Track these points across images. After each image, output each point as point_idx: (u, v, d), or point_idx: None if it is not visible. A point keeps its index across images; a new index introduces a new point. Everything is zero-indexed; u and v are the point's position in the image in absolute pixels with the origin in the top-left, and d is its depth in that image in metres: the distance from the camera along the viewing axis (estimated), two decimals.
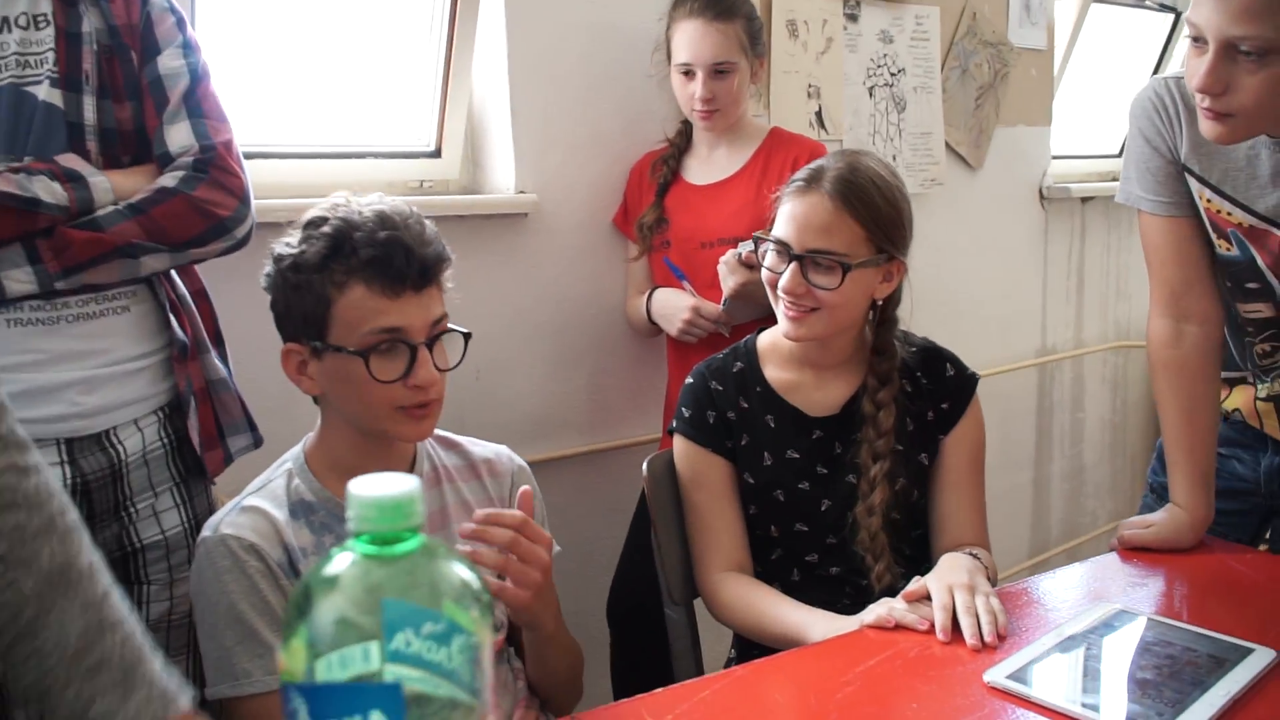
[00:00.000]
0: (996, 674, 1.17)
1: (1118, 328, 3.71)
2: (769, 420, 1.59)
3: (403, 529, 0.56)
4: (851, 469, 1.56)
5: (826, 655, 1.27)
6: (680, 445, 1.62)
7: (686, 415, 1.62)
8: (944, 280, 3.05)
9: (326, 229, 1.24)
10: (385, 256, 1.23)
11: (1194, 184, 1.53)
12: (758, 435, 1.59)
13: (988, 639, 1.25)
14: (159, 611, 1.50)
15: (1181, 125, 1.51)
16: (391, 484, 0.56)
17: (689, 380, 1.65)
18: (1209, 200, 1.51)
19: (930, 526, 1.60)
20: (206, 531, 1.28)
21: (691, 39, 2.06)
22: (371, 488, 0.56)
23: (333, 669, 0.56)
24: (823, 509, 1.57)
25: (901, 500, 1.56)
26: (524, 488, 1.33)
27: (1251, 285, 1.52)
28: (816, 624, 1.39)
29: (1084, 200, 3.44)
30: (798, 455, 1.58)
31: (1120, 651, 1.25)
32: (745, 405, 1.60)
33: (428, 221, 1.31)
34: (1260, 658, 1.20)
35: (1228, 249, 1.52)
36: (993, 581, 1.49)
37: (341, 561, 0.57)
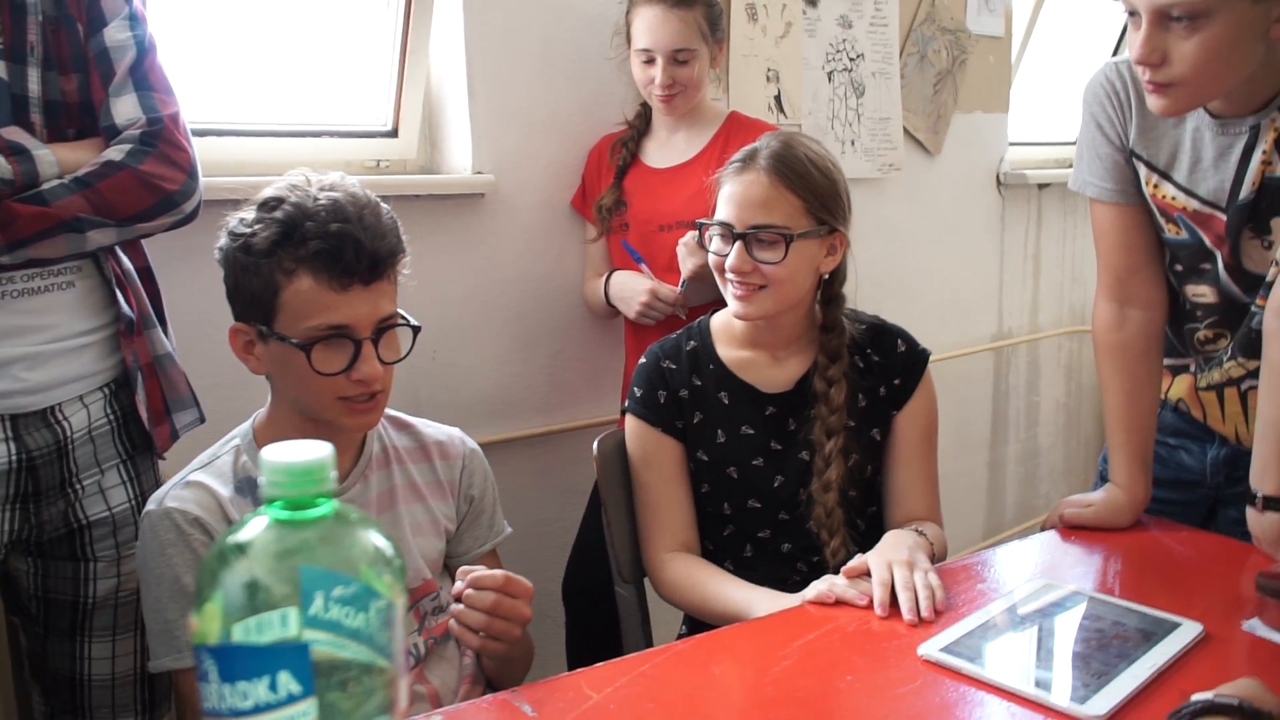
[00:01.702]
0: (930, 647, 1.19)
1: (1073, 313, 3.76)
2: (723, 397, 1.61)
3: (315, 494, 0.57)
4: (805, 446, 1.58)
5: (766, 630, 1.29)
6: (632, 425, 1.64)
7: (638, 395, 1.63)
8: (902, 264, 3.08)
9: (279, 214, 1.24)
10: (335, 250, 1.22)
11: (1142, 169, 1.55)
12: (711, 412, 1.61)
13: (924, 614, 1.28)
14: (106, 589, 1.50)
15: (1132, 110, 1.53)
16: (304, 450, 0.57)
17: (642, 360, 1.67)
18: (1155, 185, 1.54)
19: (883, 501, 1.63)
20: (151, 505, 1.28)
21: (652, 25, 2.06)
22: (284, 454, 0.57)
23: (250, 634, 0.57)
24: (775, 485, 1.59)
25: (856, 476, 1.59)
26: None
27: (1205, 266, 1.55)
28: (760, 602, 1.42)
29: (1040, 186, 3.48)
30: (751, 431, 1.60)
31: (1050, 625, 1.28)
32: (698, 383, 1.62)
33: (385, 209, 1.31)
34: (1187, 631, 1.23)
35: (1176, 233, 1.55)
36: (941, 557, 1.52)
37: (255, 527, 0.58)
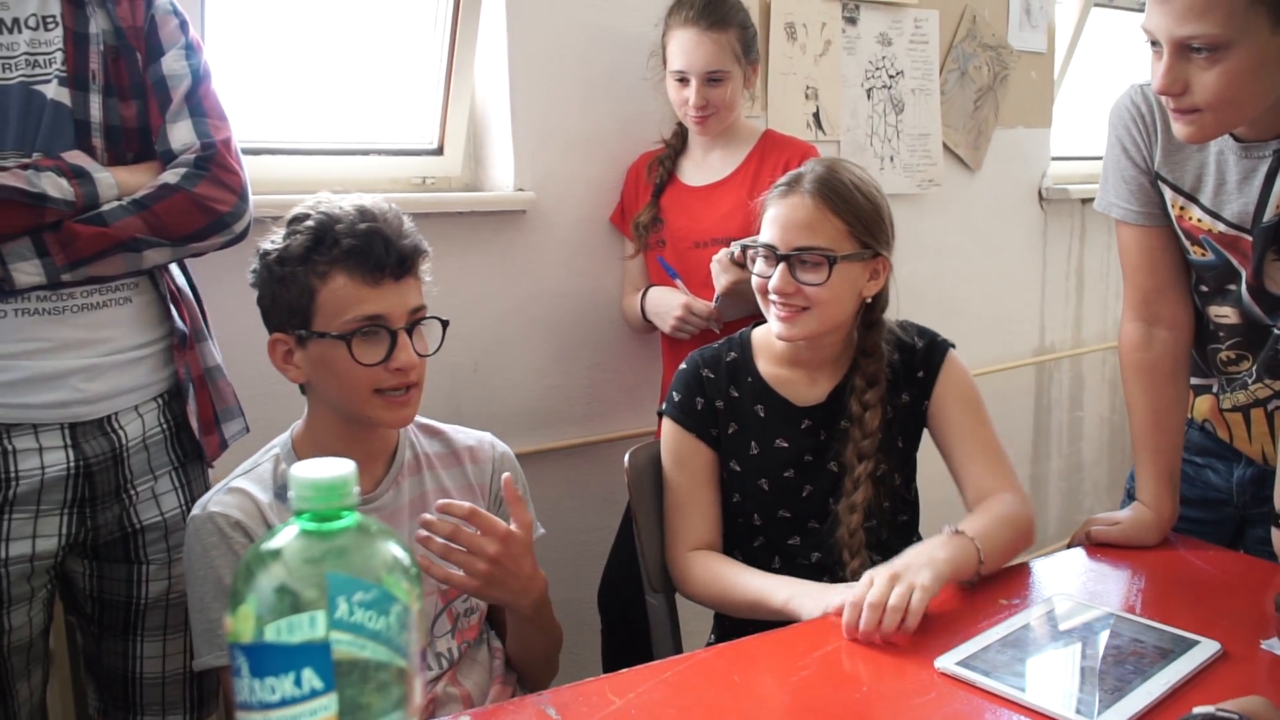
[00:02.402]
0: (947, 660, 1.22)
1: (1117, 327, 3.71)
2: (759, 410, 1.65)
3: (339, 507, 0.62)
4: (834, 457, 1.62)
5: (787, 641, 1.32)
6: (668, 427, 1.68)
7: (676, 400, 1.67)
8: (941, 279, 3.09)
9: (309, 223, 1.32)
10: (365, 246, 1.30)
11: (1167, 192, 1.56)
12: (746, 424, 1.65)
13: (877, 635, 1.27)
14: (158, 590, 1.57)
15: (1157, 132, 1.55)
16: (329, 467, 0.62)
17: (683, 366, 1.71)
18: (1181, 207, 1.55)
19: (958, 488, 1.62)
20: (196, 510, 1.36)
21: (686, 47, 2.11)
22: (311, 471, 0.62)
23: (281, 634, 0.62)
24: (804, 494, 1.62)
25: (883, 486, 1.60)
26: (505, 475, 1.38)
27: (1230, 287, 1.56)
28: (777, 589, 1.46)
29: (1084, 201, 3.46)
30: (785, 445, 1.63)
31: (1068, 641, 1.30)
32: (735, 395, 1.66)
33: (405, 217, 1.39)
34: (1204, 650, 1.24)
35: (1202, 255, 1.56)
36: (1022, 539, 1.50)
37: (285, 536, 0.63)
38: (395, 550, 0.64)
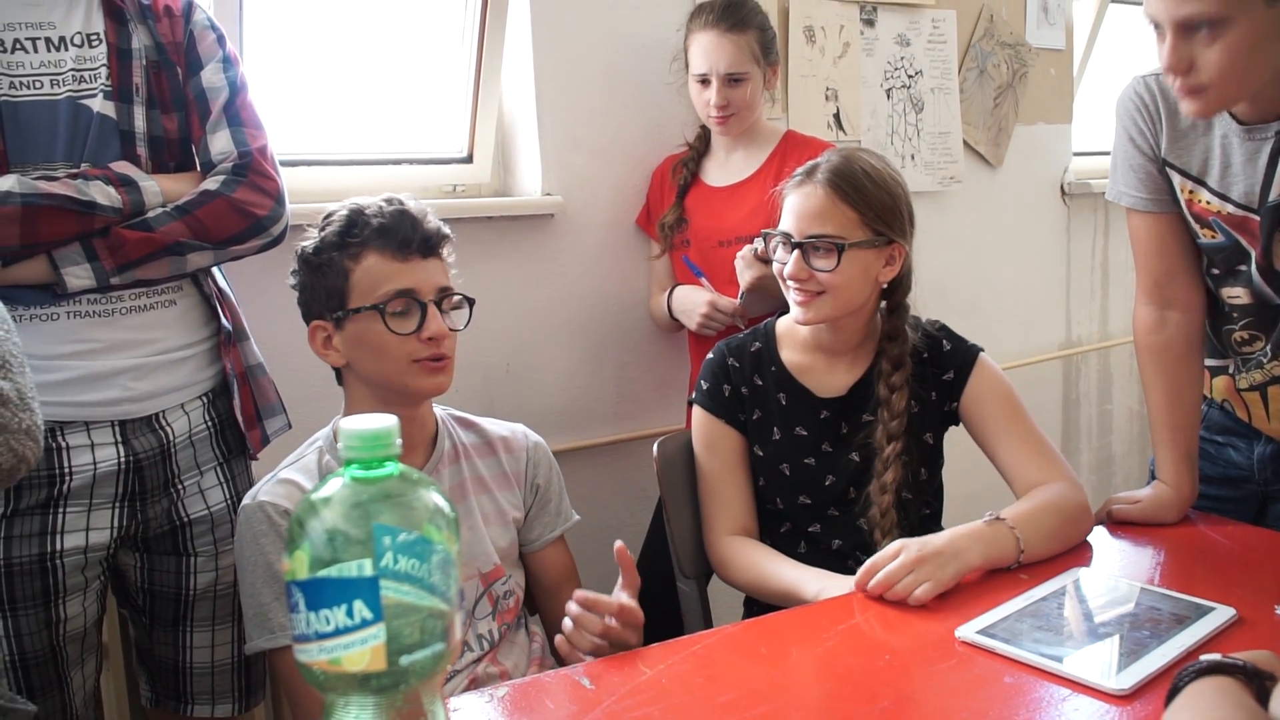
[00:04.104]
0: (968, 630, 1.26)
1: None
2: (780, 398, 1.69)
3: (382, 456, 0.67)
4: (857, 448, 1.65)
5: (813, 614, 1.37)
6: (698, 415, 1.73)
7: (705, 388, 1.73)
8: (964, 276, 3.12)
9: (340, 214, 1.43)
10: (393, 225, 1.40)
11: (1175, 177, 1.60)
12: (769, 411, 1.70)
13: (868, 588, 1.36)
14: (206, 582, 1.63)
15: (1162, 120, 1.59)
16: (375, 420, 0.68)
17: (710, 355, 1.76)
18: (1190, 191, 1.59)
19: (1009, 485, 1.64)
20: (246, 500, 1.43)
21: (706, 49, 2.17)
22: (358, 423, 0.68)
23: (332, 571, 0.67)
24: (827, 483, 1.66)
25: (909, 479, 1.63)
26: (618, 543, 1.40)
27: (1241, 268, 1.59)
28: (809, 581, 1.50)
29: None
30: (805, 433, 1.68)
31: (1085, 609, 1.33)
32: (759, 382, 1.71)
33: (429, 208, 1.48)
34: (1219, 615, 1.27)
35: (1212, 237, 1.59)
36: (1076, 530, 1.53)
37: (334, 485, 0.68)
38: (436, 498, 0.69)
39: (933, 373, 1.68)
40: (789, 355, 1.72)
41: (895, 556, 1.38)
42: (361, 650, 0.64)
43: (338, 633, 0.64)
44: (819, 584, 1.48)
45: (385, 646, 0.65)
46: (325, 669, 0.65)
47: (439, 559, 0.68)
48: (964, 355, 1.68)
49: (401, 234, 1.40)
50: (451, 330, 1.45)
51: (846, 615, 1.34)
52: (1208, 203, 1.57)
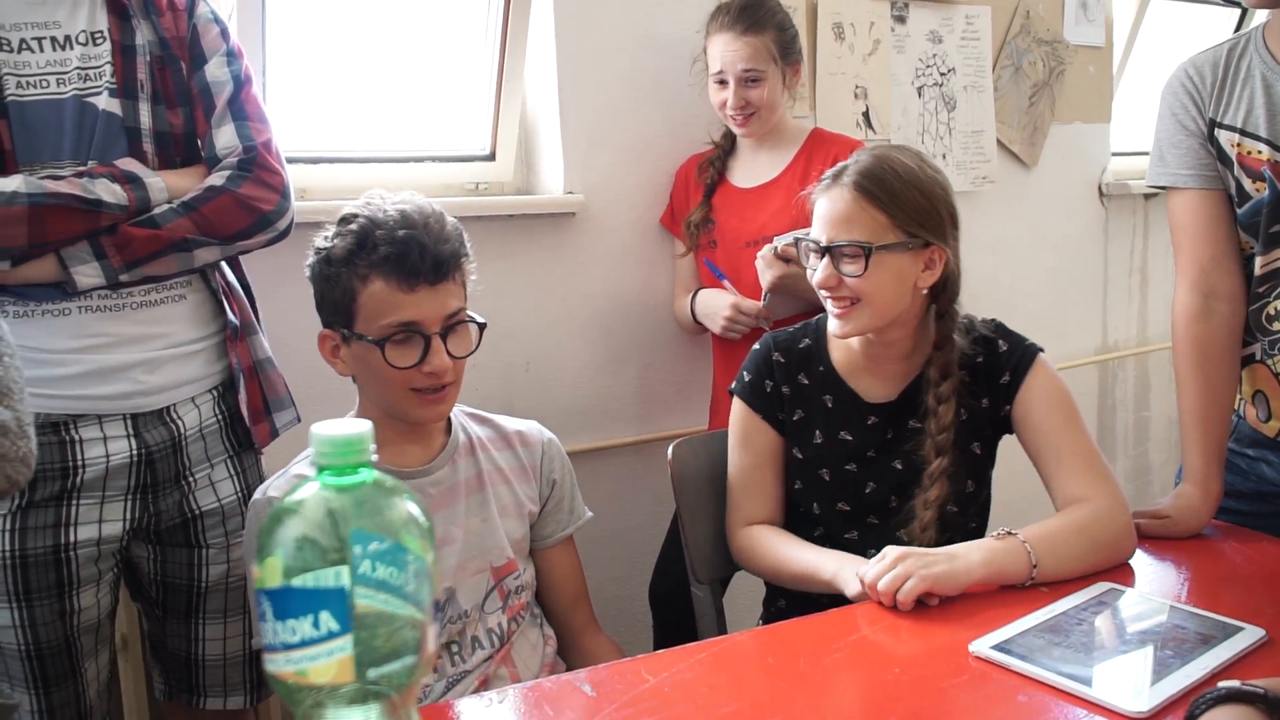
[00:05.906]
0: (982, 644, 1.22)
1: None
2: (826, 400, 1.63)
3: (355, 463, 0.66)
4: (900, 456, 1.59)
5: (822, 625, 1.33)
6: (736, 405, 1.68)
7: (746, 380, 1.67)
8: (997, 277, 3.06)
9: (354, 226, 1.38)
10: (402, 254, 1.35)
11: (1223, 135, 1.58)
12: (812, 413, 1.63)
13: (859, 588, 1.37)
14: (217, 574, 1.63)
15: (1209, 89, 1.60)
16: (347, 426, 0.66)
17: (756, 346, 1.70)
18: (1238, 144, 1.57)
19: (1050, 496, 1.57)
20: (257, 494, 1.43)
21: (723, 50, 2.15)
22: (330, 429, 0.66)
23: (303, 581, 0.65)
24: (867, 490, 1.61)
25: (955, 490, 1.56)
26: None
27: (1275, 229, 1.56)
28: (826, 563, 1.48)
29: (1147, 196, 3.41)
30: (850, 438, 1.61)
31: (1105, 626, 1.29)
32: (805, 382, 1.64)
33: (451, 220, 1.42)
34: (1247, 636, 1.22)
35: (1261, 190, 1.57)
36: (1113, 554, 1.44)
37: (307, 490, 0.66)
38: (409, 506, 0.67)
39: (987, 378, 1.59)
40: (839, 356, 1.64)
41: (892, 567, 1.36)
42: (328, 662, 0.63)
43: (304, 644, 0.62)
44: (837, 564, 1.45)
45: (353, 658, 0.63)
46: (293, 679, 0.64)
47: (415, 568, 0.66)
48: (1021, 355, 1.59)
49: (409, 264, 1.34)
50: (456, 359, 1.41)
51: (856, 627, 1.31)
52: (1258, 153, 1.56)
